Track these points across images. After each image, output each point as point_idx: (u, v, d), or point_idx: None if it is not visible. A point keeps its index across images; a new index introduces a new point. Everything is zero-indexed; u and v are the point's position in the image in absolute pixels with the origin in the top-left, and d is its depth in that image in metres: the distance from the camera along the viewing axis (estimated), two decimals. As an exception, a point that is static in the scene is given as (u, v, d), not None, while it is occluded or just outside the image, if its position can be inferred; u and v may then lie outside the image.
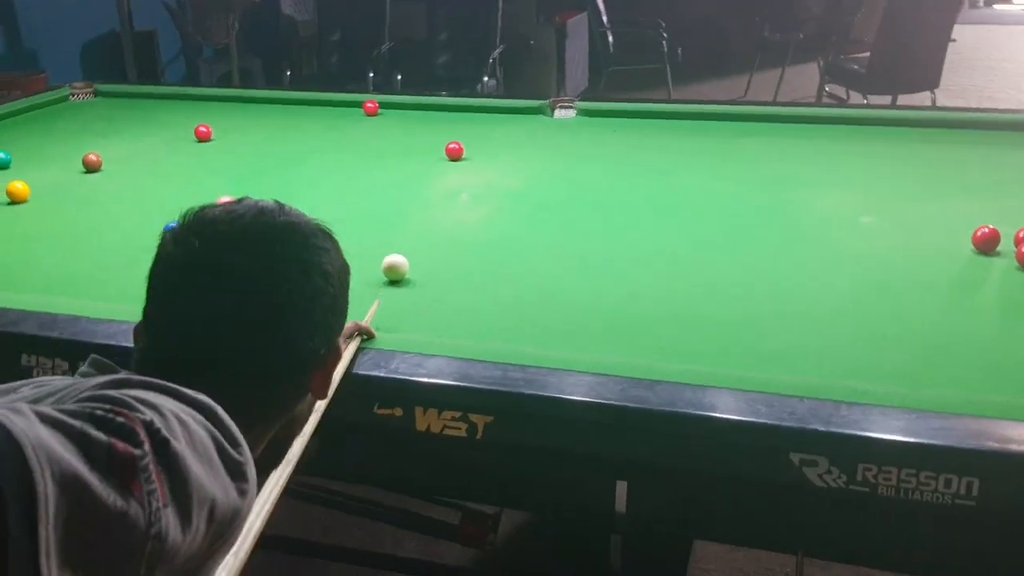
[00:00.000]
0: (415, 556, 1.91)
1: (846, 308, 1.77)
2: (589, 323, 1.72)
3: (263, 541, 0.95)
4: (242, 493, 0.80)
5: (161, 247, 0.94)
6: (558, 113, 3.35)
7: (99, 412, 0.68)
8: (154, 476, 0.68)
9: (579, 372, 1.48)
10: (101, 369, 0.89)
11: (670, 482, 1.47)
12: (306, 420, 1.06)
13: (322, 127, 3.39)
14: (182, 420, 0.75)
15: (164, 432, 0.71)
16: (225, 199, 2.26)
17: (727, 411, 1.37)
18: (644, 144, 3.05)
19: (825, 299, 1.81)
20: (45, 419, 0.64)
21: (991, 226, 2.01)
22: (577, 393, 1.44)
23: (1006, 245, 1.99)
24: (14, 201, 2.47)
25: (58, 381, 0.89)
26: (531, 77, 6.57)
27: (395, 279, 1.89)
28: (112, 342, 1.61)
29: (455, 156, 2.81)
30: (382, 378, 1.49)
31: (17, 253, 2.16)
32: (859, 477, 1.29)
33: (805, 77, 7.21)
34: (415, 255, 1.93)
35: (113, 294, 1.80)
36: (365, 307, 1.67)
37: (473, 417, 1.46)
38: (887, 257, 2.03)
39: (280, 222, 0.94)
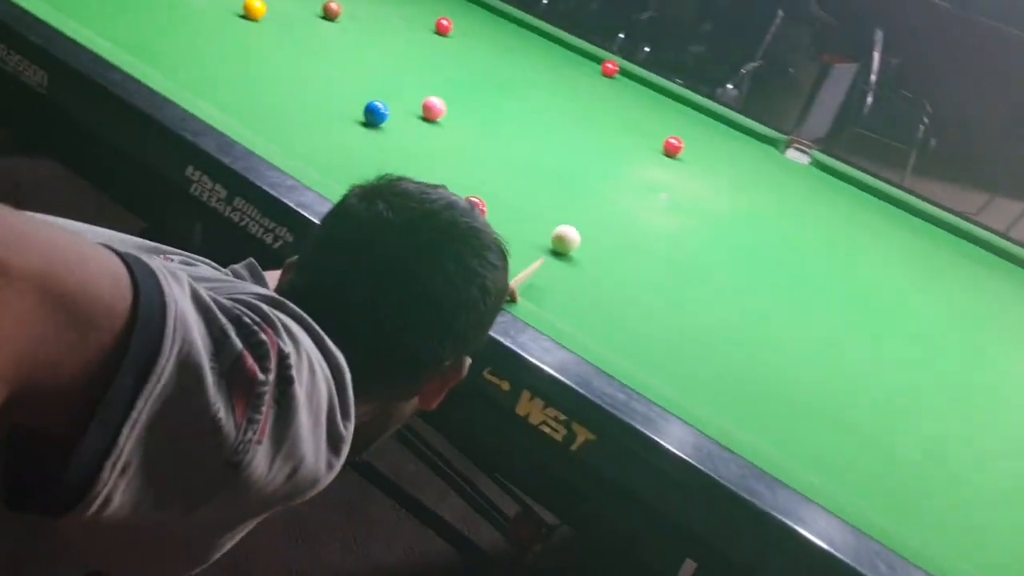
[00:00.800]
0: (451, 521, 1.82)
1: (1013, 501, 1.56)
2: (737, 387, 1.57)
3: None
4: (330, 467, 0.74)
5: (345, 198, 0.91)
6: (791, 153, 3.14)
7: (246, 319, 0.64)
8: (264, 408, 0.63)
9: (704, 435, 1.35)
10: (254, 276, 0.86)
11: (741, 584, 1.33)
12: (401, 421, 1.01)
13: (554, 68, 3.28)
14: (313, 367, 0.70)
15: (293, 371, 0.66)
16: (432, 100, 2.24)
17: (841, 550, 1.22)
18: (860, 224, 2.80)
19: (994, 483, 1.60)
20: (197, 299, 0.61)
21: None
22: (693, 456, 1.31)
23: None
24: (248, 16, 2.48)
25: (206, 268, 0.86)
26: (774, 102, 6.27)
27: (561, 251, 1.78)
28: (273, 192, 1.57)
29: (671, 152, 2.66)
30: (505, 346, 1.40)
31: (227, 67, 2.16)
32: None
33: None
34: (589, 235, 1.81)
35: (294, 147, 1.76)
36: (521, 265, 1.58)
37: (576, 427, 1.37)
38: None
39: (463, 223, 0.88)
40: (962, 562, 1.27)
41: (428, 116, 2.24)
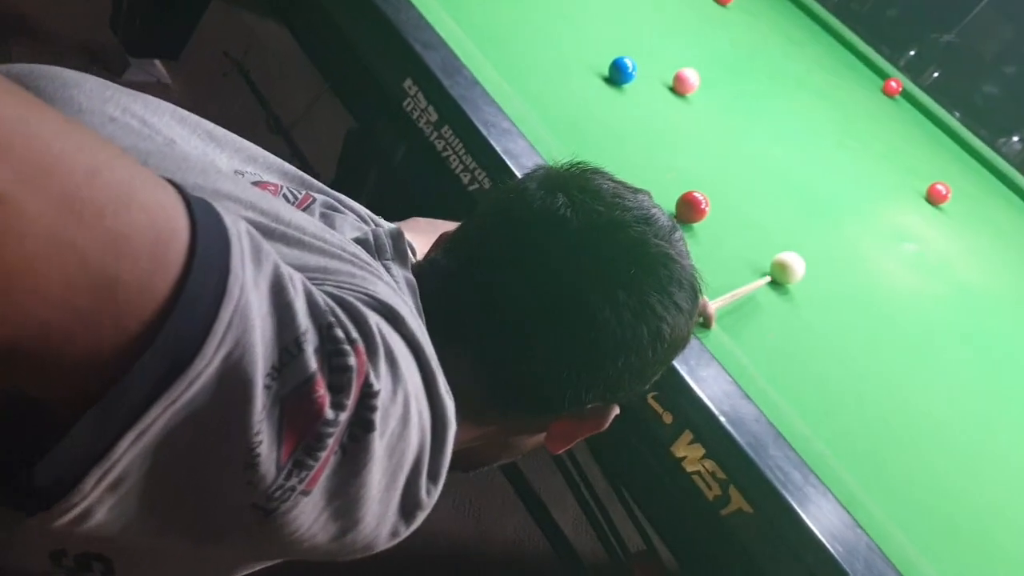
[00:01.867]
0: (566, 531, 1.66)
1: None
2: (938, 506, 1.31)
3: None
4: (394, 535, 0.58)
5: (525, 179, 0.73)
6: (1071, 236, 2.71)
7: (339, 332, 0.48)
8: (324, 452, 0.48)
9: (880, 550, 1.13)
10: (397, 250, 0.69)
11: None
12: (518, 455, 0.84)
13: (832, 71, 2.93)
14: (408, 414, 0.53)
15: (377, 415, 0.50)
16: (687, 72, 2.02)
17: None
18: None
19: None
20: (278, 290, 0.46)
21: None
22: (860, 573, 1.08)
23: None
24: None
25: (348, 224, 0.71)
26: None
27: (779, 280, 1.55)
28: (484, 130, 1.43)
29: (935, 199, 2.32)
30: (680, 375, 1.21)
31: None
32: None
33: None
34: (813, 269, 1.57)
35: (523, 87, 1.60)
36: (724, 283, 1.38)
37: (734, 492, 1.17)
38: None
39: (655, 246, 0.69)
40: None
41: (678, 88, 2.03)
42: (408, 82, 1.50)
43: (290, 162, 0.79)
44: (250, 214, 0.55)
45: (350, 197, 0.80)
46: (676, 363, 1.21)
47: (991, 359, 1.83)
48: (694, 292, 0.72)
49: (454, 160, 1.45)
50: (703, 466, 1.20)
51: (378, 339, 0.51)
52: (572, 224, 0.67)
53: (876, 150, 2.52)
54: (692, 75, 2.03)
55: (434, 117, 1.48)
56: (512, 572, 2.07)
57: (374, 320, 0.52)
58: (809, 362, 1.43)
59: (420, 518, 0.58)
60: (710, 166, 1.84)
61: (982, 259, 2.31)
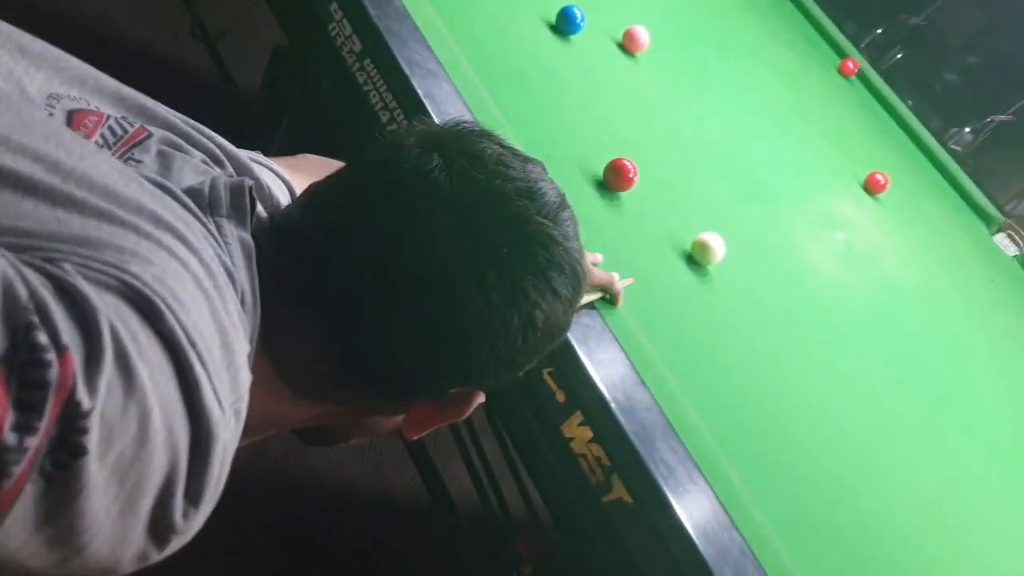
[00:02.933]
0: (453, 493, 1.63)
1: None
2: (832, 518, 1.29)
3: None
4: (142, 559, 0.50)
5: (403, 136, 0.66)
6: (999, 237, 2.73)
7: (41, 337, 0.41)
8: (7, 483, 0.40)
9: (761, 568, 1.10)
10: (236, 211, 0.60)
11: None
12: (376, 436, 0.79)
13: (790, 45, 2.83)
14: (146, 433, 0.45)
15: (89, 437, 0.42)
16: (637, 30, 1.93)
17: None
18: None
19: None
20: None
21: None
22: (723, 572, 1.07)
23: None
24: None
25: (192, 167, 0.61)
26: (1005, 166, 5.63)
27: (697, 260, 1.50)
28: (407, 69, 1.33)
29: (873, 189, 2.29)
30: (577, 355, 1.16)
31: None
32: None
33: None
34: (734, 251, 1.52)
35: (460, 27, 1.50)
36: (640, 258, 1.33)
37: (616, 481, 1.14)
38: None
39: (537, 224, 0.63)
40: None
41: (627, 46, 1.95)
42: (334, 6, 1.40)
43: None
44: (14, 160, 0.47)
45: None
46: (574, 341, 1.17)
47: (903, 361, 1.81)
48: (576, 278, 0.66)
49: (374, 96, 1.37)
50: (590, 450, 1.16)
51: (106, 342, 0.43)
52: (444, 190, 0.60)
53: (821, 132, 2.47)
54: (643, 33, 1.95)
55: (358, 47, 1.38)
56: (405, 521, 2.04)
57: (107, 317, 0.44)
58: (715, 350, 1.39)
59: (178, 542, 0.51)
60: (648, 131, 1.78)
61: (910, 255, 2.30)
